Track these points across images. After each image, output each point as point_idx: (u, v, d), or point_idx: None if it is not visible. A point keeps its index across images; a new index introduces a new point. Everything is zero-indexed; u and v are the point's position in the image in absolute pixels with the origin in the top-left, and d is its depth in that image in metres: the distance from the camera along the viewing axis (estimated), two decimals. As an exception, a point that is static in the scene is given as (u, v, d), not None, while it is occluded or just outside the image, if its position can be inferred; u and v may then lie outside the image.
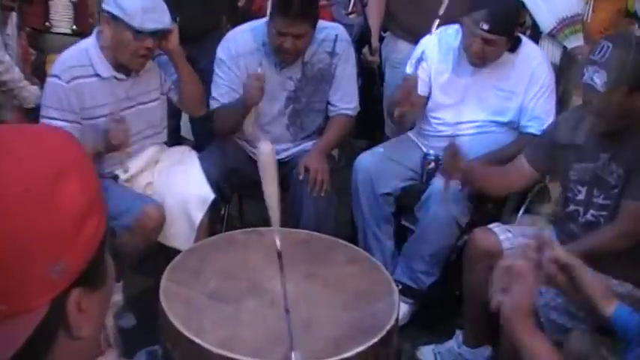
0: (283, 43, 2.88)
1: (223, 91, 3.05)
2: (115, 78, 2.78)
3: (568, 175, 2.54)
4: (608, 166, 2.42)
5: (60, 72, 2.70)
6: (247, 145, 3.19)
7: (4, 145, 0.66)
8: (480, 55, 2.87)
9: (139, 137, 2.93)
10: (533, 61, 2.98)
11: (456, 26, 2.97)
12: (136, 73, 2.82)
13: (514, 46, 2.92)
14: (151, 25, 2.63)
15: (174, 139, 3.48)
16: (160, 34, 2.73)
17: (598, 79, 2.24)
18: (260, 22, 3.01)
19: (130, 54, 2.69)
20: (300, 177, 2.96)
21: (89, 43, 2.78)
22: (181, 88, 2.94)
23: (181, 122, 3.78)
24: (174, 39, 2.81)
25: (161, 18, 2.68)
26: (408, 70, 3.08)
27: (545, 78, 2.98)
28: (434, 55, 3.05)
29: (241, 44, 3.03)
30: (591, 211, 2.48)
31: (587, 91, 2.34)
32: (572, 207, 2.54)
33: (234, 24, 3.33)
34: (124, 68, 2.78)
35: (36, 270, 0.64)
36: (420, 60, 3.02)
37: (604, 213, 2.45)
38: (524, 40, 3.01)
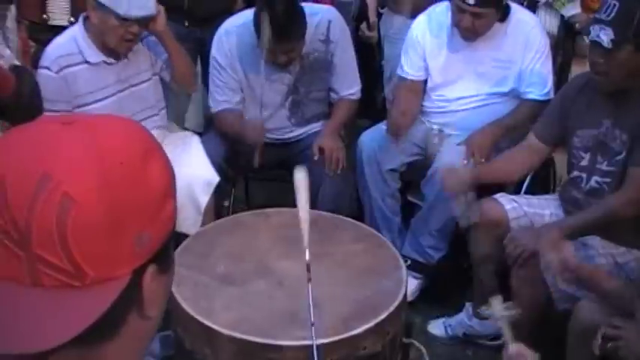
0: (276, 56, 2.88)
1: (221, 92, 3.06)
2: (105, 62, 2.80)
3: (572, 142, 2.53)
4: (612, 131, 2.41)
5: (49, 63, 2.72)
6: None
7: (96, 128, 0.70)
8: (471, 30, 2.86)
9: (136, 120, 2.92)
10: (526, 26, 2.96)
11: (446, 3, 2.96)
12: (125, 56, 2.83)
13: (504, 15, 2.90)
14: (136, 12, 2.65)
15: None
16: (146, 20, 2.73)
17: (605, 35, 2.23)
18: (251, 17, 2.94)
19: (116, 39, 2.70)
20: (315, 157, 2.96)
21: (76, 30, 2.79)
22: (172, 65, 2.94)
23: (187, 114, 3.78)
24: (161, 20, 2.81)
25: (146, 4, 2.69)
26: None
27: (540, 42, 2.96)
28: (425, 36, 3.04)
29: (235, 44, 3.01)
30: (595, 178, 2.47)
31: (593, 50, 2.33)
32: (575, 173, 2.53)
33: (248, 4, 3.29)
34: (113, 52, 2.79)
35: (125, 238, 0.67)
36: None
37: (608, 180, 2.44)
38: (514, 6, 2.99)
